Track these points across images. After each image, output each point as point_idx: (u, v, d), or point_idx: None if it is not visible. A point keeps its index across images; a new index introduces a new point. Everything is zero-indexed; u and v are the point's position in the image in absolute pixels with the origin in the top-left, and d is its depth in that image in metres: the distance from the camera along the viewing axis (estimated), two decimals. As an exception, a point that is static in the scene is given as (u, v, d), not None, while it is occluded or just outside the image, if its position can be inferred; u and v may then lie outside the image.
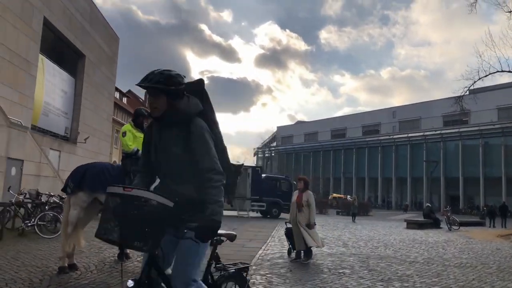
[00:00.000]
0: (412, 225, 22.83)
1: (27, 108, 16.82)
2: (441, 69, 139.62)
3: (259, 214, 27.07)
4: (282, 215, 25.89)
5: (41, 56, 18.30)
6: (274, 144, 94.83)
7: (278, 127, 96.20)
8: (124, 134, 7.13)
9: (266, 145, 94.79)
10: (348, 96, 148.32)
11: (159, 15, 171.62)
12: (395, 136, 67.22)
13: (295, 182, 28.44)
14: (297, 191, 9.66)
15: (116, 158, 38.28)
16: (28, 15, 16.57)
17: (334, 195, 62.60)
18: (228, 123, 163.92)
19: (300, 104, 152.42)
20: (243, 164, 10.12)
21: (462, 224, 23.75)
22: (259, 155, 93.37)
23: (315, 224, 9.30)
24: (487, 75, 22.70)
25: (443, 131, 60.36)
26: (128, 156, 7.01)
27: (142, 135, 6.98)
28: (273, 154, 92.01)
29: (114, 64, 28.29)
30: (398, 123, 71.19)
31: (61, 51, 21.14)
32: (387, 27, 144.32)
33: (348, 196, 58.20)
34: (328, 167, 76.32)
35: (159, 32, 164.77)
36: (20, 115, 15.88)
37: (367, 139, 71.52)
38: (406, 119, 69.47)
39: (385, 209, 61.84)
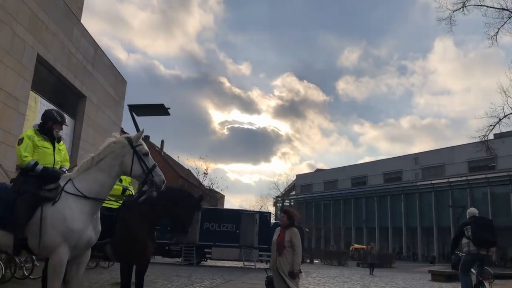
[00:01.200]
0: (438, 276, 20.40)
1: (11, 147, 15.76)
2: (462, 117, 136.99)
3: (268, 265, 25.17)
4: None
5: (34, 94, 17.37)
6: (294, 192, 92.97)
7: (297, 175, 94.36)
8: (20, 141, 5.49)
9: (286, 194, 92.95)
10: (368, 145, 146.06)
11: (180, 69, 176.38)
12: (418, 183, 64.63)
13: (307, 230, 26.12)
14: (279, 228, 7.68)
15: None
16: (19, 50, 15.78)
17: (356, 245, 59.68)
18: (249, 173, 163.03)
19: (320, 154, 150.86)
20: (202, 195, 8.37)
21: (497, 276, 21.17)
22: (278, 205, 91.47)
23: (301, 272, 7.35)
24: None
25: (469, 177, 57.61)
26: (22, 171, 5.43)
27: (49, 145, 5.62)
28: (292, 203, 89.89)
29: (120, 108, 27.52)
30: (421, 170, 68.83)
31: (60, 90, 20.37)
32: (405, 76, 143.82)
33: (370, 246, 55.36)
34: (349, 216, 73.66)
35: (180, 85, 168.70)
36: (4, 154, 14.83)
37: (390, 187, 69.18)
38: (429, 166, 67.17)
39: (410, 261, 58.38)
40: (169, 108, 13.94)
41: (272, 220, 29.35)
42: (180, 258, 25.91)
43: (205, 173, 59.81)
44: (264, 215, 27.10)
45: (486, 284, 10.09)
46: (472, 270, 10.36)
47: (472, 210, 10.84)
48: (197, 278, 15.47)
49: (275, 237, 7.60)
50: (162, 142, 74.61)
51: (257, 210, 45.65)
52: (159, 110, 14.16)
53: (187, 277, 15.70)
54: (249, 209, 39.51)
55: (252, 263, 24.23)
